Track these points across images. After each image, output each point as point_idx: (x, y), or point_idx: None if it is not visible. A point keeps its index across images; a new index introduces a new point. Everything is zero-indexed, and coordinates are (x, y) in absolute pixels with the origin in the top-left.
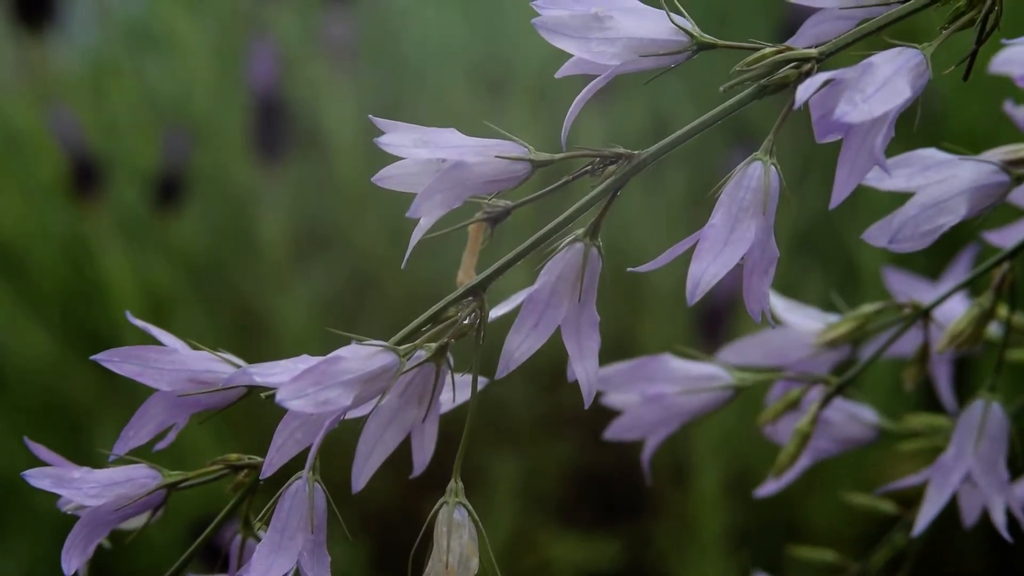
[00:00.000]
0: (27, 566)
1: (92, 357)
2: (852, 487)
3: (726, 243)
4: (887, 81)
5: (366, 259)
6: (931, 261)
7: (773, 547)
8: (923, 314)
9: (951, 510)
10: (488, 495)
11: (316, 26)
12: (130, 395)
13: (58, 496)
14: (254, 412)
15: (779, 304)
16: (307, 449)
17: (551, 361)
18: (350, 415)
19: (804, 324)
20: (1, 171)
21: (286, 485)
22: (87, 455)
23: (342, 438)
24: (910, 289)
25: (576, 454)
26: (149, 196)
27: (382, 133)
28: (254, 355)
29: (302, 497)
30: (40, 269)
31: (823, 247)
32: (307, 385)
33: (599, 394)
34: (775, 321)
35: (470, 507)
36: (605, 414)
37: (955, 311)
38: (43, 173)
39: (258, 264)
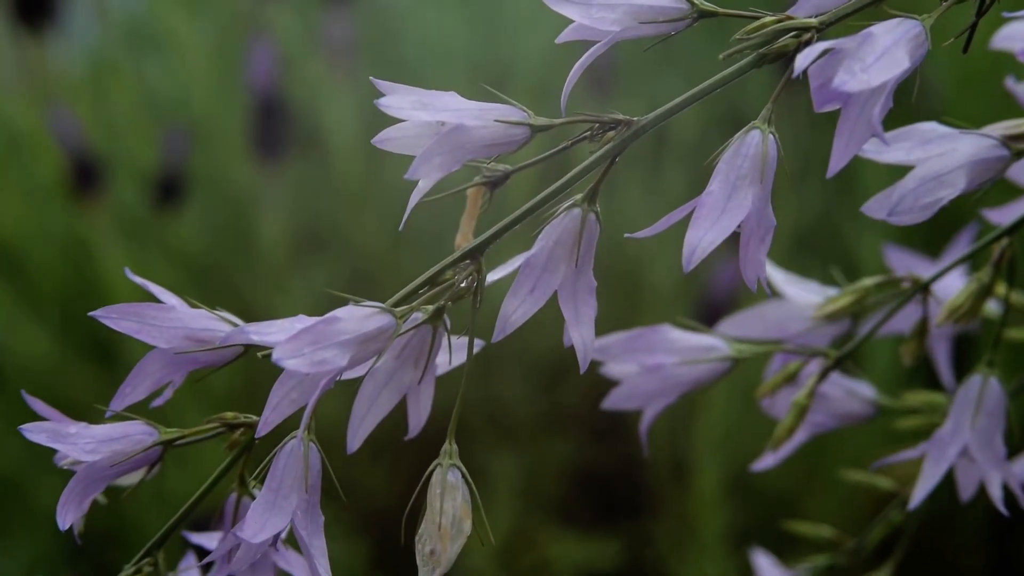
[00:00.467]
0: (27, 566)
1: (90, 313)
2: (853, 486)
3: (723, 210)
4: (886, 51)
5: (365, 259)
6: (930, 247)
7: (773, 546)
8: (922, 288)
9: (949, 506)
10: (488, 494)
11: (316, 26)
12: None
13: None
14: (255, 396)
15: (778, 277)
16: (303, 409)
17: (551, 359)
18: (346, 376)
19: (803, 297)
20: (1, 171)
21: (281, 444)
22: None
23: (340, 434)
24: (910, 266)
25: (576, 453)
26: (149, 196)
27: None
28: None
29: (297, 456)
30: (40, 269)
31: (823, 246)
32: (303, 345)
33: (597, 364)
34: (772, 291)
35: (464, 469)
36: (605, 414)
37: (955, 287)
38: (43, 173)
39: (258, 264)
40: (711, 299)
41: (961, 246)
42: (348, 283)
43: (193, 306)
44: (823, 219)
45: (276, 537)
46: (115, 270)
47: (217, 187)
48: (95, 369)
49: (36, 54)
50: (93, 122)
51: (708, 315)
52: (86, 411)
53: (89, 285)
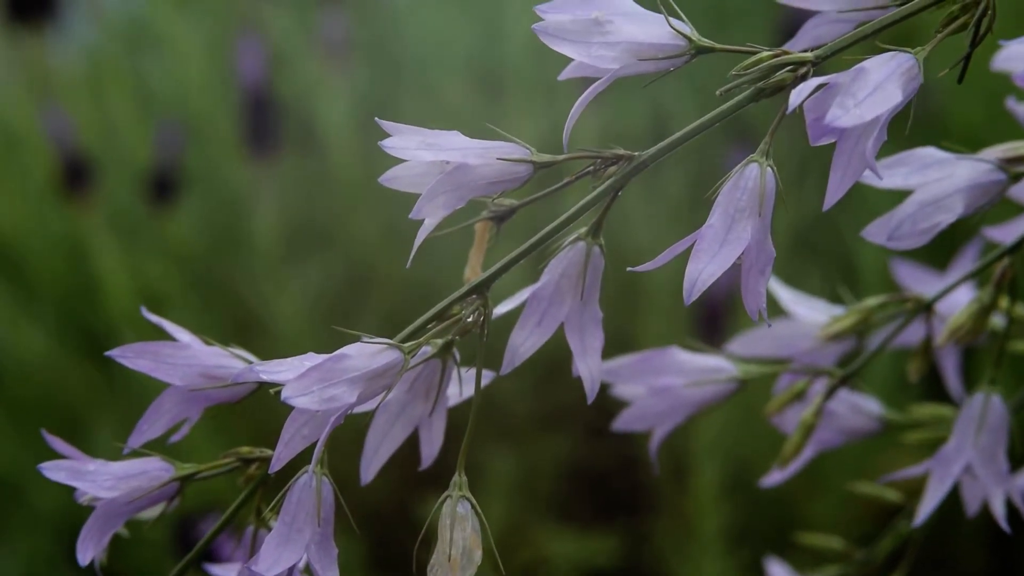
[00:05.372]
0: (27, 566)
1: (107, 353)
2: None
3: (723, 243)
4: (878, 86)
5: (361, 256)
6: (932, 260)
7: (772, 545)
8: (925, 308)
9: (953, 509)
10: (485, 491)
11: (311, 23)
12: (127, 393)
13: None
14: (253, 410)
15: (785, 296)
16: (315, 443)
17: (548, 357)
18: (356, 410)
19: (810, 316)
20: None
21: (294, 479)
22: (85, 452)
23: (340, 437)
24: (918, 281)
25: (573, 450)
26: (144, 194)
27: (380, 132)
28: (251, 353)
29: (309, 491)
30: (37, 267)
31: (822, 247)
32: (312, 383)
33: (605, 386)
34: (771, 319)
35: (474, 501)
36: (602, 410)
37: (960, 304)
38: (39, 172)
39: (253, 261)
40: (708, 300)
41: (966, 262)
42: (344, 281)
43: (207, 343)
44: (822, 218)
45: (291, 570)
46: (110, 268)
47: (212, 185)
48: (92, 367)
49: (33, 53)
50: (90, 120)
51: (706, 316)
52: (83, 409)
53: (86, 284)
